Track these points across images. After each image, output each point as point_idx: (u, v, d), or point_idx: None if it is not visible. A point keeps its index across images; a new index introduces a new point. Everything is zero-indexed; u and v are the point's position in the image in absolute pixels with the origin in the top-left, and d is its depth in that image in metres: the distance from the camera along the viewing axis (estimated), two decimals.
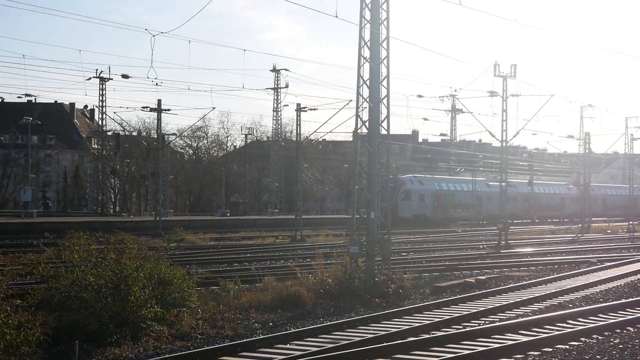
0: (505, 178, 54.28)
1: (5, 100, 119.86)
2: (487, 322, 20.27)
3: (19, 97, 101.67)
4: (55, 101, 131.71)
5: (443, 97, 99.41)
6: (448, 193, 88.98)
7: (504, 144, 53.73)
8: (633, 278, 30.38)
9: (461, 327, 19.41)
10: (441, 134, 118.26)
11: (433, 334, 18.27)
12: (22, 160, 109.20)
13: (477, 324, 19.83)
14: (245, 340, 17.52)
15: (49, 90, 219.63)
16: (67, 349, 16.30)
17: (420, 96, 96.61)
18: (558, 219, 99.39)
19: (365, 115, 27.89)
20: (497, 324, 19.46)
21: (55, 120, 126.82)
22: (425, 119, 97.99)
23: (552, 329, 18.79)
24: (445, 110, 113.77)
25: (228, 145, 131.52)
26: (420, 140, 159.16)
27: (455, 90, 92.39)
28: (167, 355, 15.70)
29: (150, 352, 16.82)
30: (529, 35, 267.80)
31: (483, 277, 30.05)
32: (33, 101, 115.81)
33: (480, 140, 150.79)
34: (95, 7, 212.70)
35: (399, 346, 16.40)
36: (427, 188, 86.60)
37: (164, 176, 72.90)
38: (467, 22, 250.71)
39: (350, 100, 49.19)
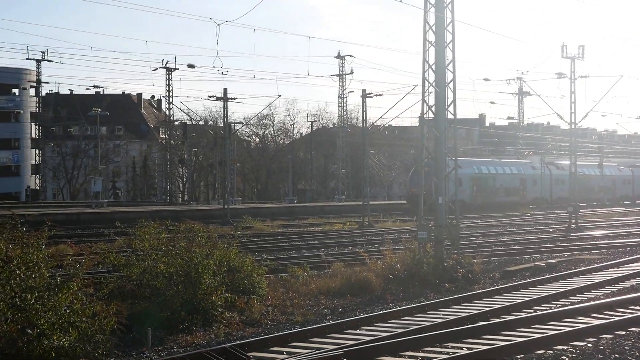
0: (575, 161, 53.57)
1: (74, 92, 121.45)
2: (558, 305, 20.10)
3: (87, 88, 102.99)
4: (123, 92, 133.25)
5: (510, 80, 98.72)
6: (489, 176, 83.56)
7: (573, 127, 53.09)
8: None
9: (532, 310, 19.27)
10: (508, 117, 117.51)
11: (504, 318, 18.16)
12: (92, 151, 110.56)
13: (548, 308, 19.68)
14: (315, 326, 17.57)
15: (116, 81, 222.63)
16: (140, 336, 16.49)
17: (486, 79, 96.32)
18: (629, 201, 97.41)
19: (431, 100, 27.78)
20: (569, 307, 19.27)
21: (123, 111, 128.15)
22: (492, 103, 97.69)
23: (625, 312, 18.55)
24: (512, 94, 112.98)
25: (294, 132, 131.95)
26: (487, 124, 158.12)
27: (522, 73, 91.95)
28: (238, 342, 15.80)
29: (221, 339, 16.95)
30: (596, 15, 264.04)
31: (553, 261, 29.78)
32: (101, 92, 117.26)
33: (548, 123, 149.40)
34: None
35: (469, 330, 16.32)
36: (465, 172, 78.99)
37: (231, 164, 73.46)
38: (533, 3, 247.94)
39: (416, 85, 49.15)
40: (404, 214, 66.33)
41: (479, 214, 69.29)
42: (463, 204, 72.79)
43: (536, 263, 29.16)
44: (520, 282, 24.21)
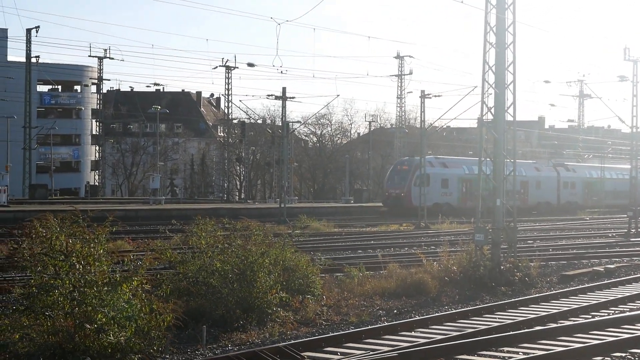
0: (636, 165, 52.87)
1: (134, 89, 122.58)
2: (616, 311, 19.86)
3: (147, 86, 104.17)
4: (183, 90, 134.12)
5: (570, 82, 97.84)
6: (482, 178, 77.53)
7: (634, 130, 52.43)
8: None
9: (590, 316, 19.07)
10: (568, 120, 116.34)
11: (561, 323, 18.00)
12: (151, 148, 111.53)
13: (606, 314, 19.46)
14: (369, 327, 17.55)
15: (176, 79, 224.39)
16: (195, 333, 16.59)
17: (546, 82, 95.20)
18: None
19: (490, 102, 27.60)
20: (627, 313, 19.05)
21: (182, 109, 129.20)
22: (552, 105, 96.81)
23: None
24: (572, 96, 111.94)
25: (352, 132, 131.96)
26: (546, 126, 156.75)
27: (583, 75, 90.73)
28: (292, 341, 15.82)
29: (275, 338, 16.98)
30: None
31: (612, 266, 29.42)
32: (161, 90, 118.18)
33: (609, 126, 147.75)
34: None
35: (525, 335, 16.19)
36: (453, 172, 73.91)
37: (288, 163, 73.52)
38: (595, 5, 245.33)
39: (475, 87, 48.63)
40: (380, 218, 63.59)
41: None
42: (449, 207, 69.02)
43: (595, 268, 28.84)
44: (578, 287, 23.97)
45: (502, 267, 25.61)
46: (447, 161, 76.73)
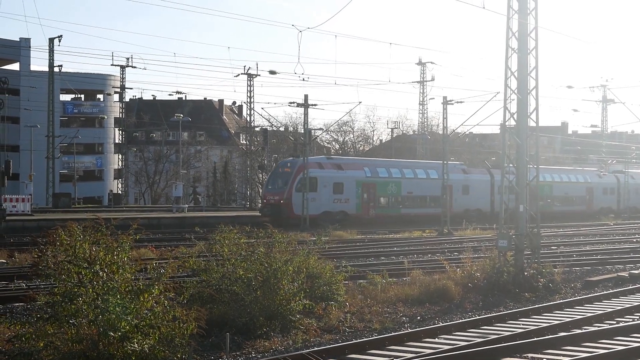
0: None
1: (156, 98, 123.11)
2: None
3: (169, 94, 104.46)
4: (205, 98, 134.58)
5: (593, 87, 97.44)
6: (390, 182, 65.75)
7: None
8: None
9: (614, 322, 18.98)
10: (591, 125, 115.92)
11: (585, 329, 17.91)
12: (173, 157, 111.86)
13: (631, 319, 19.35)
14: (393, 334, 17.53)
15: (198, 87, 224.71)
16: (219, 340, 16.61)
17: (569, 87, 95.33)
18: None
19: (513, 107, 27.54)
20: None
21: (204, 117, 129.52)
22: (575, 110, 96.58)
23: None
24: (595, 101, 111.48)
25: (374, 139, 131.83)
26: (569, 132, 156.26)
27: (607, 80, 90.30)
28: (315, 348, 15.82)
29: (299, 345, 16.97)
30: None
31: (637, 272, 29.23)
32: (183, 98, 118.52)
33: (632, 132, 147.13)
34: (242, 3, 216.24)
35: (549, 341, 16.13)
36: (349, 175, 62.87)
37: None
38: (617, 9, 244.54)
39: (498, 93, 48.60)
40: (253, 227, 57.56)
41: (375, 229, 55.72)
42: (345, 216, 60.70)
43: (619, 274, 28.70)
44: (602, 293, 23.87)
45: (525, 273, 25.53)
46: (343, 162, 66.88)
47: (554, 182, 77.74)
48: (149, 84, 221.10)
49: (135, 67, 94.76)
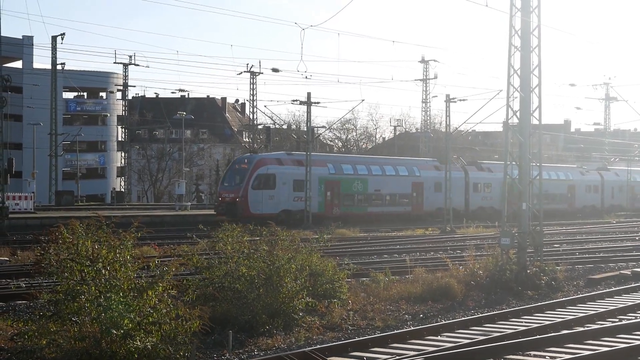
0: None
1: (159, 96, 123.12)
2: None
3: (172, 92, 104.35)
4: (208, 96, 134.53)
5: (596, 85, 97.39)
6: (356, 179, 62.46)
7: None
8: None
9: (617, 320, 18.97)
10: (594, 123, 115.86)
11: (588, 327, 17.90)
12: (176, 154, 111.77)
13: (633, 317, 19.35)
14: (395, 331, 17.52)
15: (201, 85, 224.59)
16: (221, 338, 16.61)
17: (572, 85, 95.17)
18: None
19: (516, 105, 27.52)
20: None
21: (207, 115, 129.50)
22: (578, 108, 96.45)
23: None
24: (598, 99, 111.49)
25: (377, 137, 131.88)
26: (572, 129, 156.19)
27: (609, 78, 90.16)
28: (318, 346, 15.81)
29: (301, 343, 16.97)
30: None
31: (639, 269, 29.26)
32: (186, 96, 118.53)
33: (635, 129, 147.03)
34: (245, 1, 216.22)
35: (552, 339, 16.13)
36: (311, 172, 58.74)
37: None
38: (619, 7, 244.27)
39: (501, 91, 48.48)
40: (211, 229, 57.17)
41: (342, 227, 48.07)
42: (306, 214, 56.85)
43: (621, 271, 28.69)
44: (605, 291, 23.86)
45: (528, 271, 25.53)
46: (305, 158, 60.87)
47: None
48: (152, 81, 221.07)
49: (138, 65, 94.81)
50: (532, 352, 15.20)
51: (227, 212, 54.65)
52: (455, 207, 65.22)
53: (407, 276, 25.64)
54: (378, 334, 17.46)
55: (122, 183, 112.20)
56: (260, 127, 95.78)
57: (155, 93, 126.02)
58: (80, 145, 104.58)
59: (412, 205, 66.17)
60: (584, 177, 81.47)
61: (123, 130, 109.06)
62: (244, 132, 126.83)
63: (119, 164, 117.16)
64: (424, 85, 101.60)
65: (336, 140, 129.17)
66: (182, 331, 14.33)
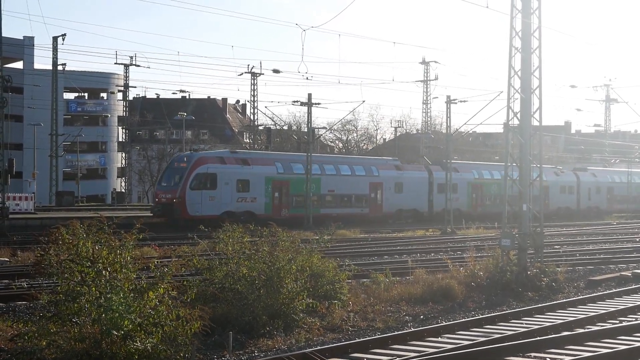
0: None
1: (160, 96, 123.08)
2: None
3: (173, 93, 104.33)
4: (208, 97, 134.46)
5: (597, 86, 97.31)
6: (304, 179, 58.43)
7: None
8: None
9: (617, 321, 18.96)
10: (595, 125, 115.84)
11: (588, 328, 17.91)
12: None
13: (634, 319, 19.33)
14: (396, 332, 17.52)
15: (202, 86, 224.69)
16: (222, 339, 16.59)
17: (573, 86, 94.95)
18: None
19: (516, 107, 27.54)
20: None
21: (208, 116, 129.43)
22: (579, 110, 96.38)
23: None
24: (599, 101, 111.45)
25: (378, 138, 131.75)
26: (573, 131, 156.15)
27: (610, 80, 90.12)
28: (318, 347, 15.81)
29: (302, 344, 16.97)
30: None
31: None
32: (187, 97, 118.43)
33: (636, 131, 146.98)
34: (246, 2, 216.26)
35: (553, 340, 16.12)
36: (256, 171, 56.30)
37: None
38: (620, 9, 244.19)
39: (501, 92, 48.55)
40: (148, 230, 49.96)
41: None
42: (251, 216, 50.82)
43: (622, 273, 28.69)
44: (605, 292, 23.86)
45: (528, 273, 25.54)
46: (251, 157, 58.81)
47: (495, 181, 70.20)
48: (153, 82, 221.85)
49: (139, 66, 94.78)
50: (533, 354, 15.20)
51: (164, 213, 52.68)
52: (418, 209, 65.29)
53: (407, 277, 25.64)
54: (378, 335, 17.46)
55: (123, 184, 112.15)
56: (261, 128, 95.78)
57: (156, 94, 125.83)
58: (81, 146, 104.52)
59: (370, 206, 63.27)
60: (558, 177, 78.24)
61: (124, 131, 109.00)
62: (244, 133, 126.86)
63: (119, 165, 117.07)
64: (425, 86, 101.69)
65: (337, 142, 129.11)
66: (182, 332, 14.33)
